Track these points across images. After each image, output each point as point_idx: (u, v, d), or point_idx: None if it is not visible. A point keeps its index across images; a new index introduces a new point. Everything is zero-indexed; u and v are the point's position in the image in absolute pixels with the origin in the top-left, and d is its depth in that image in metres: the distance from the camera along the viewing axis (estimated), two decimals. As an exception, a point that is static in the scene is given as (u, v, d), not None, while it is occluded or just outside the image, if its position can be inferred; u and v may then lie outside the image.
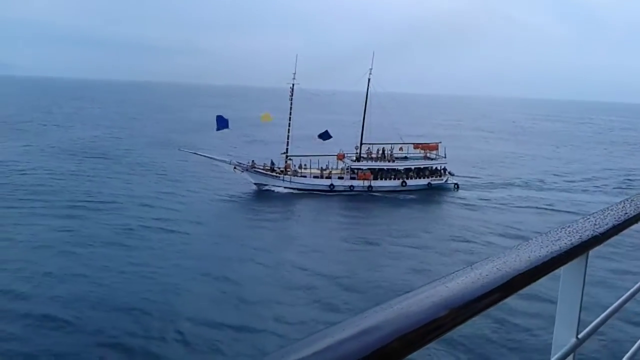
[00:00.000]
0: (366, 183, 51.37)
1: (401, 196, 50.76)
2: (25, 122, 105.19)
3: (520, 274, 1.44)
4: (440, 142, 55.30)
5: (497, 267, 1.42)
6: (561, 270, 1.82)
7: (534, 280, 1.51)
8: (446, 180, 53.16)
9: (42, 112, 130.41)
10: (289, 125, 51.96)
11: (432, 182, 52.68)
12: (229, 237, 36.73)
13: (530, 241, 1.67)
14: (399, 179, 52.33)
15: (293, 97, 51.96)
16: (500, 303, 1.38)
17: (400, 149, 54.37)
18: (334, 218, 44.53)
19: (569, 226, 1.87)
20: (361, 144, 53.43)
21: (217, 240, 35.63)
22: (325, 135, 55.19)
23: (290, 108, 51.58)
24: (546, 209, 46.28)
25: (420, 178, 52.89)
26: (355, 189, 51.12)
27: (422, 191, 52.06)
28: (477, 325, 21.12)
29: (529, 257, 1.53)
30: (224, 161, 51.34)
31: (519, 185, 56.14)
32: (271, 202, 48.06)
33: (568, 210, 45.12)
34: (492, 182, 57.05)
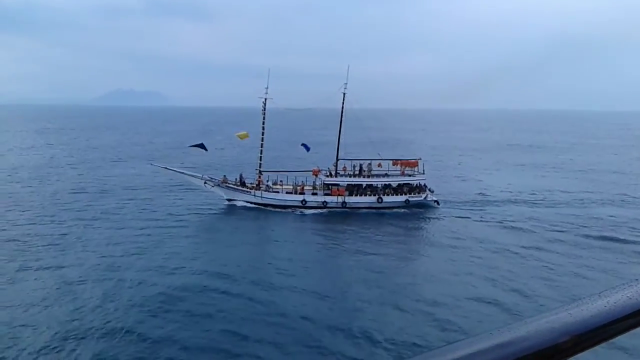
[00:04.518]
0: (340, 199, 50.00)
1: (376, 213, 49.20)
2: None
3: None
4: (420, 159, 53.35)
5: (629, 295, 1.35)
6: None
7: None
8: (425, 197, 50.96)
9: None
10: (262, 141, 51.71)
11: (410, 199, 50.64)
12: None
13: None
14: (375, 195, 50.70)
15: (265, 111, 51.74)
16: (629, 333, 1.31)
17: (379, 165, 52.87)
18: (296, 235, 43.39)
19: None
20: (337, 159, 52.30)
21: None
22: (306, 147, 55.00)
23: (263, 123, 51.37)
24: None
25: (398, 195, 51.04)
26: (328, 205, 49.85)
27: (399, 208, 50.22)
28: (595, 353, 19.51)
29: None
30: (195, 176, 51.35)
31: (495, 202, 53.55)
32: (238, 219, 47.34)
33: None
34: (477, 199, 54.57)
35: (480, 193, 57.52)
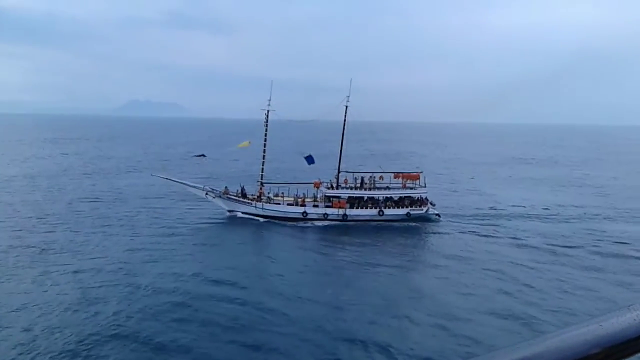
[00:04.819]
0: (341, 211, 50.02)
1: (377, 225, 49.12)
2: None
3: None
4: (422, 172, 53.23)
5: None
6: None
7: None
8: (427, 211, 50.78)
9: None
10: (264, 152, 51.95)
11: (412, 212, 50.45)
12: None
13: None
14: (376, 208, 50.52)
15: (268, 124, 52.05)
16: None
17: (381, 177, 52.76)
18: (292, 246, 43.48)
19: None
20: (339, 172, 52.41)
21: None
22: (309, 160, 54.93)
23: (265, 135, 51.68)
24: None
25: (399, 207, 50.79)
26: (329, 218, 49.88)
27: (400, 221, 50.00)
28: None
29: None
30: (197, 187, 51.83)
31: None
32: (240, 230, 47.59)
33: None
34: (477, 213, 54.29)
35: (492, 207, 58.04)
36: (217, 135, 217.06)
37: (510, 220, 51.39)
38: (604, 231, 46.85)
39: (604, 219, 52.89)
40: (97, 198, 60.19)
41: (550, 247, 41.57)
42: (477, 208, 56.80)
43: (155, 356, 22.58)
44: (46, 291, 30.28)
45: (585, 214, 55.02)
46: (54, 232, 44.24)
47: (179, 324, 25.64)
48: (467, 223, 49.90)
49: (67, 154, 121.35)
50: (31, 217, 49.46)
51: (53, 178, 76.88)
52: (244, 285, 31.80)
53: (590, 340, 1.17)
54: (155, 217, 50.04)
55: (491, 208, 56.88)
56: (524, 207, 58.17)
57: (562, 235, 45.16)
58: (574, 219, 52.62)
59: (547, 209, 57.16)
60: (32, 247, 39.30)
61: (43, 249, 38.73)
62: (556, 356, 1.10)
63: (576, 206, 59.25)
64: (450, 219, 51.12)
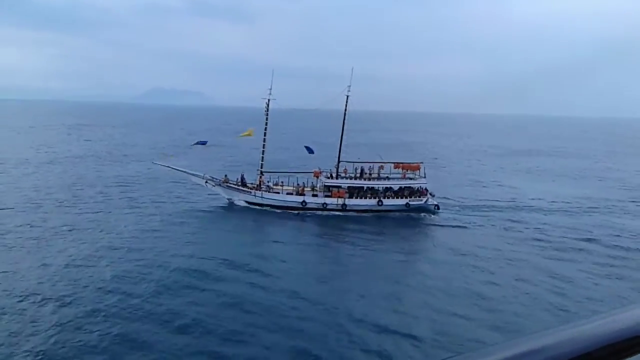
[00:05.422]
0: (340, 201, 50.09)
1: (376, 216, 49.17)
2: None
3: None
4: (422, 162, 52.70)
5: None
6: None
7: None
8: (426, 201, 50.40)
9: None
10: (264, 142, 52.26)
11: (411, 203, 50.19)
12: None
13: None
14: (375, 198, 50.45)
15: (268, 112, 52.30)
16: None
17: (381, 167, 52.54)
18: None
19: None
20: (339, 161, 52.37)
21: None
22: (309, 150, 55.30)
23: (266, 124, 51.93)
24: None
25: (398, 198, 50.62)
26: (328, 207, 50.00)
27: (399, 212, 49.89)
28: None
29: None
30: (197, 175, 52.47)
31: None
32: (239, 218, 48.18)
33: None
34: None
35: (512, 199, 57.52)
36: (237, 122, 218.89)
37: (529, 212, 50.93)
38: (626, 225, 46.12)
39: (625, 213, 51.93)
40: (121, 183, 62.20)
41: (571, 239, 41.08)
42: (495, 200, 56.65)
43: (186, 340, 22.98)
44: (80, 265, 31.88)
45: (606, 206, 54.37)
46: (81, 214, 46.19)
47: (205, 308, 26.15)
48: (483, 215, 49.50)
49: (90, 140, 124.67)
50: (60, 199, 51.71)
51: (80, 163, 79.59)
52: (264, 271, 32.18)
53: None
54: (171, 203, 51.73)
55: (511, 200, 56.58)
56: (544, 200, 57.28)
57: (584, 228, 44.66)
58: (594, 212, 51.89)
59: (568, 202, 56.24)
60: (60, 226, 41.29)
61: (71, 229, 40.62)
62: (609, 335, 1.14)
63: (599, 199, 58.25)
64: (467, 211, 50.97)
